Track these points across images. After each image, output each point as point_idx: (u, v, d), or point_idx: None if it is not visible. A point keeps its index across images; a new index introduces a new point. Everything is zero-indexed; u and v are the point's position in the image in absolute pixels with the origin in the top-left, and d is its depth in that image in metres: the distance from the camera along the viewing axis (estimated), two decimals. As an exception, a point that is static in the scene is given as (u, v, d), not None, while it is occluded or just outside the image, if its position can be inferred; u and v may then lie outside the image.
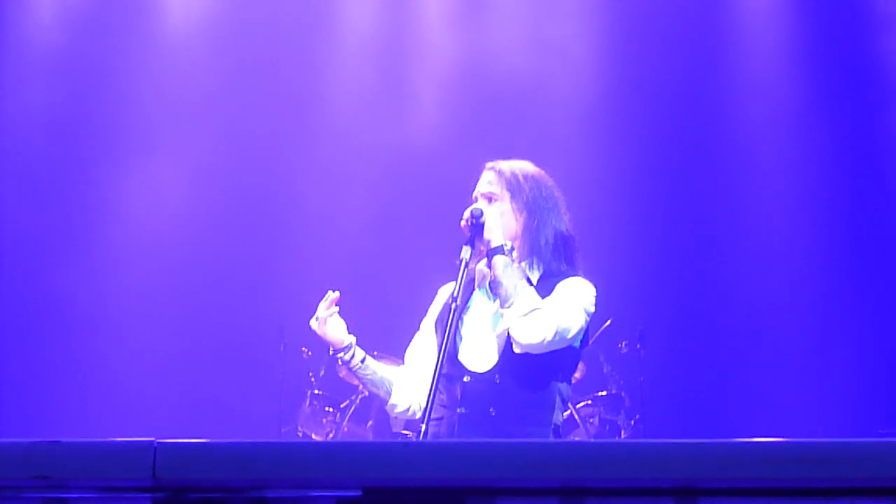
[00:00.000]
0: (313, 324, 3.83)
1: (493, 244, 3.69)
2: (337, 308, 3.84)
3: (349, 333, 3.88)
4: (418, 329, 4.06)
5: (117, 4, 8.64)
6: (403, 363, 4.05)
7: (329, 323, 3.82)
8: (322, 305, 3.83)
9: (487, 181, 3.87)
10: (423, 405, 3.59)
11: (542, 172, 3.92)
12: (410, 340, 4.07)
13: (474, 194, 3.88)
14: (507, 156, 3.98)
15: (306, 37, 8.77)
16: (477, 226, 3.71)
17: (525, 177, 3.84)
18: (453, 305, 3.59)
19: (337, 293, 3.83)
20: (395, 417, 3.99)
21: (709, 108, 8.66)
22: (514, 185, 3.82)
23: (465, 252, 3.67)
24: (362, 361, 3.88)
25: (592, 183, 8.11)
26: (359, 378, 3.93)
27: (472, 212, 3.73)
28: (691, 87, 8.66)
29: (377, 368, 3.92)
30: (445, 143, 8.32)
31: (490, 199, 3.83)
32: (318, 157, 8.60)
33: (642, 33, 8.72)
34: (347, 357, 3.86)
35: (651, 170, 8.59)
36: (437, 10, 8.88)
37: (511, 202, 3.80)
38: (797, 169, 8.61)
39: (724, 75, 8.74)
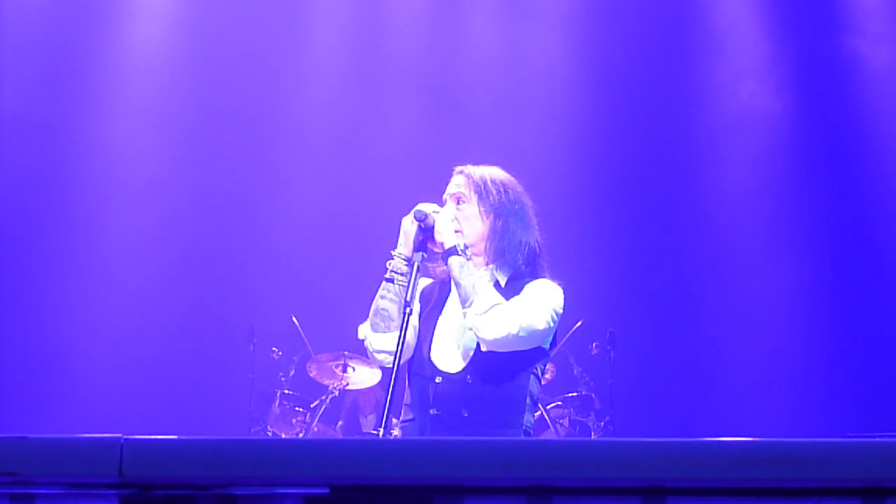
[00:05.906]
0: (405, 222, 3.77)
1: (446, 245, 3.70)
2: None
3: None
4: None
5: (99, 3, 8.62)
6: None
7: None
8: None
9: (456, 184, 3.89)
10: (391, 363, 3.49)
11: (512, 179, 3.93)
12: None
13: (444, 196, 3.89)
14: (481, 160, 3.99)
15: (280, 40, 8.76)
16: (426, 229, 3.72)
17: (493, 181, 3.86)
18: (407, 310, 3.58)
19: None
20: (370, 350, 3.83)
21: (681, 114, 8.70)
22: (481, 189, 3.83)
23: (417, 257, 3.69)
24: (412, 282, 3.66)
25: (565, 188, 8.14)
26: (395, 281, 3.76)
27: (415, 215, 3.74)
28: (663, 92, 8.70)
29: (399, 301, 3.73)
30: (422, 147, 8.31)
31: (459, 200, 3.85)
32: (291, 160, 8.59)
33: (615, 43, 8.75)
34: (418, 260, 3.70)
35: (623, 175, 8.62)
36: (413, 14, 8.88)
37: (479, 205, 3.82)
38: (766, 176, 8.66)
39: (696, 81, 8.77)
